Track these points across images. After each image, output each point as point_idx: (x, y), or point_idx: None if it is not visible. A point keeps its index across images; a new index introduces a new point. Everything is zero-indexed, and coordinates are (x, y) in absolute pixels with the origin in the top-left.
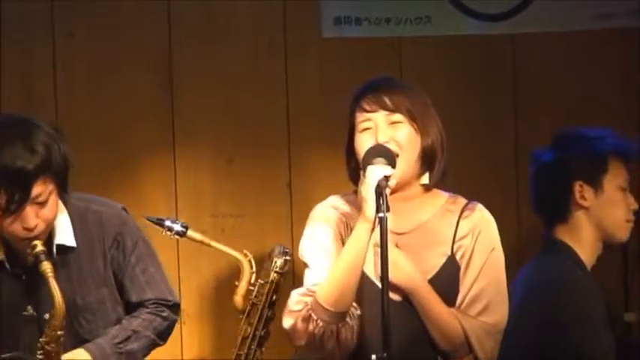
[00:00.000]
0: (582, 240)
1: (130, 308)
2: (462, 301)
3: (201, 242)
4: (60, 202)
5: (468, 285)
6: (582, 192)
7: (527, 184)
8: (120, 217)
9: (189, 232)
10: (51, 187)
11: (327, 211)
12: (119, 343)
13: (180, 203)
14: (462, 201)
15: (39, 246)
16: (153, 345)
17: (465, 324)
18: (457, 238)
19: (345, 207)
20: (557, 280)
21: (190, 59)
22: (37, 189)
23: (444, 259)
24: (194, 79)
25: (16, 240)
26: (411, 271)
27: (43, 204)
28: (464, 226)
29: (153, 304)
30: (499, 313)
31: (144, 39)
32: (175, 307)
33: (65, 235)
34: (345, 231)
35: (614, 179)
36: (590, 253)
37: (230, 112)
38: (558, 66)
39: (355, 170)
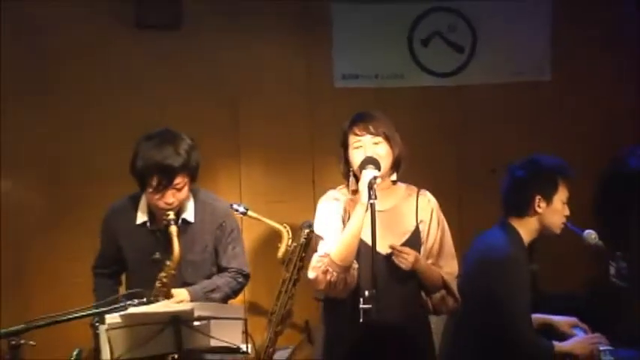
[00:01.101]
0: (527, 230)
1: (220, 270)
2: (428, 255)
3: (257, 219)
4: (190, 193)
5: (430, 244)
6: (539, 203)
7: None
8: (226, 211)
9: (249, 212)
10: (186, 179)
11: (331, 201)
12: (207, 291)
13: (243, 193)
14: (414, 187)
15: (171, 215)
16: (227, 298)
17: (445, 276)
18: (419, 213)
19: (341, 196)
20: (498, 250)
21: (250, 102)
22: (178, 180)
23: (412, 228)
24: (254, 112)
25: (157, 209)
26: (423, 263)
27: (179, 190)
28: (421, 204)
29: (234, 271)
30: (455, 264)
31: (215, 81)
32: (247, 276)
33: (189, 213)
34: (343, 212)
35: (560, 196)
36: (529, 237)
37: (275, 133)
38: (491, 107)
39: (347, 172)
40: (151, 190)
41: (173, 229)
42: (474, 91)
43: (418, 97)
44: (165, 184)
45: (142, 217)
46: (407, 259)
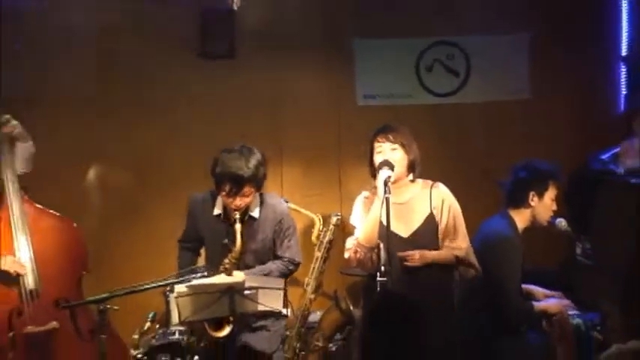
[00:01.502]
0: (522, 219)
1: (275, 257)
2: (446, 233)
3: (295, 209)
4: (257, 195)
5: (443, 225)
6: (532, 198)
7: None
8: (285, 211)
9: (289, 204)
10: (253, 189)
11: (362, 199)
12: (262, 274)
13: (284, 188)
14: (429, 181)
15: (237, 215)
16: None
17: (457, 253)
18: (432, 203)
19: (369, 195)
20: (499, 234)
21: (291, 116)
22: (245, 188)
23: (425, 216)
24: (293, 124)
25: (229, 207)
26: (430, 254)
27: (247, 196)
28: (434, 195)
29: (286, 260)
30: (467, 241)
31: (263, 99)
32: (298, 265)
33: (255, 211)
34: (369, 206)
35: (550, 194)
36: (523, 225)
37: (310, 141)
38: (481, 121)
39: (373, 172)
40: (224, 193)
41: (238, 226)
42: (468, 108)
43: (424, 112)
44: (235, 190)
45: (217, 210)
46: (414, 259)
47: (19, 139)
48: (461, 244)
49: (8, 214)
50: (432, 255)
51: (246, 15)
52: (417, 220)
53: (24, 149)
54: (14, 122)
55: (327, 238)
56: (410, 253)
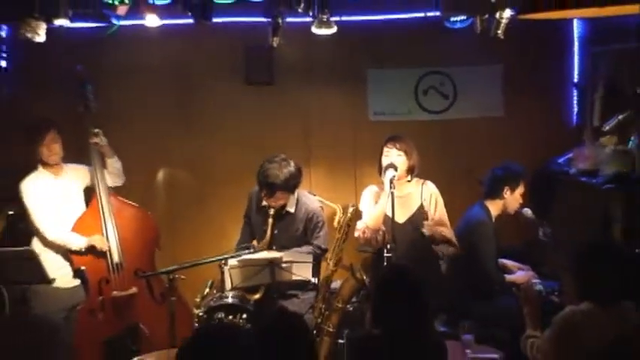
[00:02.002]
0: (495, 208)
1: (307, 243)
2: (435, 223)
3: (321, 201)
4: (295, 194)
5: (431, 215)
6: (506, 192)
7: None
8: (316, 208)
9: (316, 197)
10: (285, 194)
11: (371, 191)
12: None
13: (313, 184)
14: (421, 180)
15: (271, 211)
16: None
17: (447, 234)
18: (422, 196)
19: (377, 189)
20: (477, 220)
21: (317, 127)
22: (277, 194)
23: (417, 205)
24: (319, 134)
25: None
26: (437, 230)
27: (280, 199)
28: (424, 191)
29: (315, 245)
30: (448, 224)
31: (296, 115)
32: (323, 251)
33: (291, 207)
34: (376, 198)
35: (520, 189)
36: (496, 212)
37: (332, 146)
38: (465, 133)
39: (380, 171)
40: (262, 194)
41: (270, 220)
42: (455, 123)
43: (420, 126)
44: (269, 195)
45: (265, 202)
46: (431, 227)
47: (106, 154)
48: (446, 228)
49: (98, 205)
50: (435, 230)
51: (283, 51)
52: (410, 210)
53: (110, 164)
54: (102, 137)
55: (345, 224)
56: (426, 222)
